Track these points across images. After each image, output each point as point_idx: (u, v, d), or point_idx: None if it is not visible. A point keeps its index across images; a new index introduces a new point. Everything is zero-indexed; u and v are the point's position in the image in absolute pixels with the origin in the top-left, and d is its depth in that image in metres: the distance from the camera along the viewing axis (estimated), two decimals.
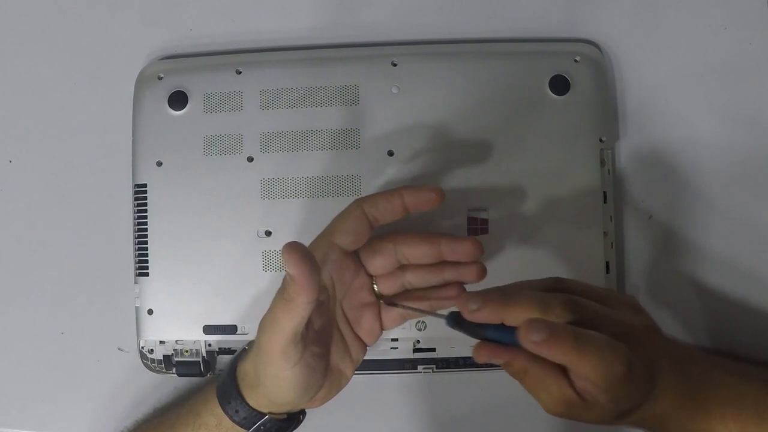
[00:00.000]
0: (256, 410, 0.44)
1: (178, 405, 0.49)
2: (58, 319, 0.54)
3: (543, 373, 0.38)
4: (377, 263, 0.45)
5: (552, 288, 0.41)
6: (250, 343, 0.46)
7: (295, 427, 0.47)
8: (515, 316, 0.38)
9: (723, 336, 0.51)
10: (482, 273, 0.44)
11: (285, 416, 0.46)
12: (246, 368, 0.45)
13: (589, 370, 0.36)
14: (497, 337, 0.39)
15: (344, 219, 0.44)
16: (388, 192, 0.44)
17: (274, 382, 0.43)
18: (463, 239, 0.43)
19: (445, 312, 0.41)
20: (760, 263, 0.51)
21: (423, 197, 0.43)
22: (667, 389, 0.40)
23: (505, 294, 0.39)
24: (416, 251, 0.44)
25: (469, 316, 0.39)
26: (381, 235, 0.45)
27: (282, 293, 0.40)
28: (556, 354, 0.36)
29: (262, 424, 0.45)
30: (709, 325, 0.51)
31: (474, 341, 0.40)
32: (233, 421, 0.45)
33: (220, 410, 0.45)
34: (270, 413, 0.45)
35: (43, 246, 0.54)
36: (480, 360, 0.39)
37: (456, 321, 0.40)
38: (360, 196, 0.49)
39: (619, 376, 0.36)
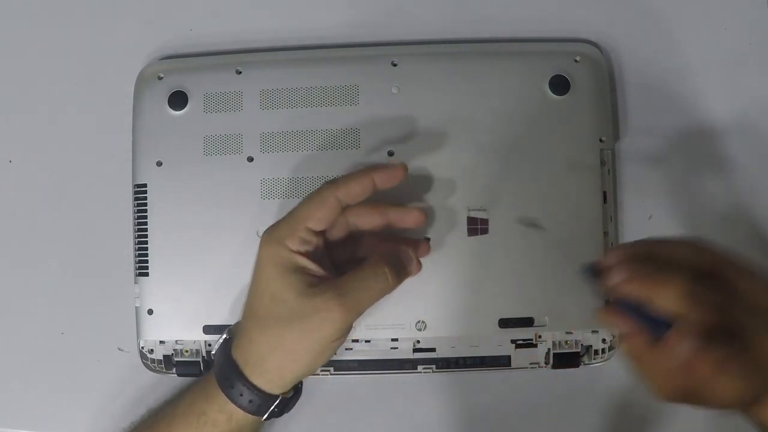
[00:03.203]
0: (270, 394, 0.44)
1: (172, 404, 0.48)
2: (58, 319, 0.54)
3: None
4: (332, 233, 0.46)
5: (694, 258, 0.39)
6: (230, 330, 0.47)
7: (298, 398, 0.48)
8: (661, 299, 0.37)
9: None
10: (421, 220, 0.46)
11: (292, 393, 0.46)
12: (244, 354, 0.45)
13: (713, 403, 0.37)
14: (629, 311, 0.38)
15: (318, 207, 0.44)
16: (359, 175, 0.45)
17: (311, 353, 0.43)
18: (409, 209, 0.46)
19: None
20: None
21: (392, 175, 0.45)
22: None
23: (656, 275, 0.38)
24: (367, 221, 0.46)
25: (612, 284, 0.38)
26: None
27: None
28: (696, 371, 0.36)
29: (276, 406, 0.45)
30: None
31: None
32: (248, 412, 0.44)
33: (229, 405, 0.44)
34: (282, 394, 0.45)
35: (43, 246, 0.54)
36: (604, 319, 0.39)
37: (594, 273, 0.39)
38: None
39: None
